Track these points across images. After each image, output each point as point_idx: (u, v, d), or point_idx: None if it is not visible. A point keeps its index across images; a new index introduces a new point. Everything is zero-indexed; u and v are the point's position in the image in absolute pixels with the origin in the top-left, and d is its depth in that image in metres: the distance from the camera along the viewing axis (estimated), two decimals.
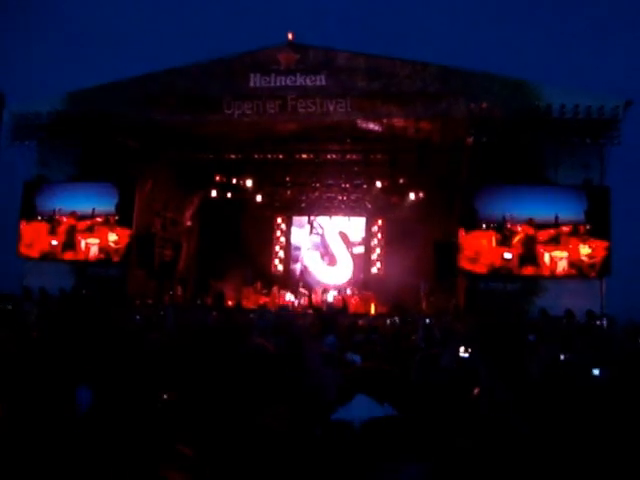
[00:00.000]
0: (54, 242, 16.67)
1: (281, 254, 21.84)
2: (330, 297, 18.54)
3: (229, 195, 19.56)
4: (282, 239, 21.97)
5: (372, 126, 15.27)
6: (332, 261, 21.25)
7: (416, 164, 16.37)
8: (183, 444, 1.79)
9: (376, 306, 17.55)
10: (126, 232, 16.34)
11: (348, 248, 21.22)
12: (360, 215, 21.02)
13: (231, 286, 18.59)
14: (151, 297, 16.87)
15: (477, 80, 14.09)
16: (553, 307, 12.69)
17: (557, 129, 13.53)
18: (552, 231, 14.08)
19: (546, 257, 14.11)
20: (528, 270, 14.19)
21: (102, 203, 16.42)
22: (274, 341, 3.65)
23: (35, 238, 16.78)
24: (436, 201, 17.56)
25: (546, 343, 5.82)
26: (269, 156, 17.49)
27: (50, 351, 3.51)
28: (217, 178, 18.99)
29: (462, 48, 37.20)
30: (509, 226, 14.25)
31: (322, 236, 21.44)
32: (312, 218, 21.47)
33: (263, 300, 18.45)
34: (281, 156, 17.44)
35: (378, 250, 20.90)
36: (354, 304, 17.90)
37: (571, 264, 14.00)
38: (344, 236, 21.30)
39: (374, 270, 20.77)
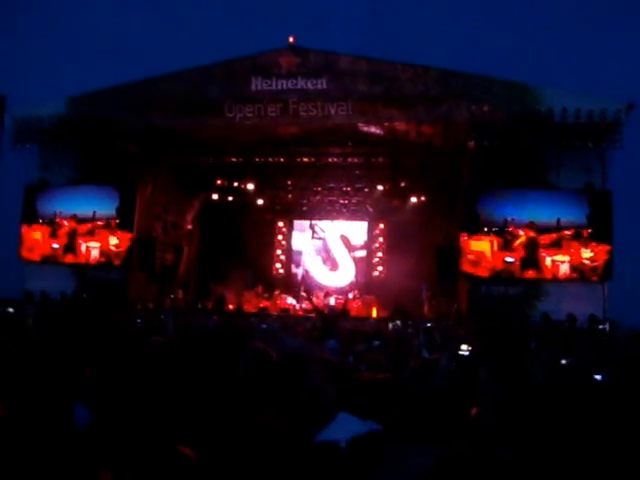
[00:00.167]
0: (55, 245, 16.66)
1: (282, 258, 21.84)
2: (332, 301, 18.52)
3: (230, 198, 19.56)
4: (283, 243, 21.97)
5: (373, 129, 15.26)
6: (334, 266, 21.24)
7: (417, 167, 16.37)
8: (183, 444, 1.77)
9: (378, 310, 17.53)
10: (127, 235, 16.31)
11: (350, 252, 21.22)
12: (362, 219, 21.04)
13: (232, 290, 18.55)
14: (152, 301, 16.81)
15: (478, 83, 14.06)
16: (555, 311, 12.60)
17: (559, 133, 13.49)
18: (554, 235, 14.04)
19: (548, 261, 14.06)
20: (530, 274, 14.15)
21: (103, 206, 16.39)
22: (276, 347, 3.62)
23: (36, 241, 16.78)
24: (438, 205, 17.55)
25: (548, 347, 5.78)
26: (270, 159, 17.44)
27: (50, 352, 3.50)
28: (218, 182, 18.98)
29: (463, 51, 37.31)
30: (511, 230, 14.20)
31: (324, 240, 21.43)
32: (313, 222, 21.48)
33: (264, 304, 18.42)
34: (282, 159, 17.40)
35: (380, 254, 20.90)
36: (356, 308, 17.87)
37: (573, 268, 13.95)
38: (345, 240, 21.30)
39: (376, 274, 20.76)
